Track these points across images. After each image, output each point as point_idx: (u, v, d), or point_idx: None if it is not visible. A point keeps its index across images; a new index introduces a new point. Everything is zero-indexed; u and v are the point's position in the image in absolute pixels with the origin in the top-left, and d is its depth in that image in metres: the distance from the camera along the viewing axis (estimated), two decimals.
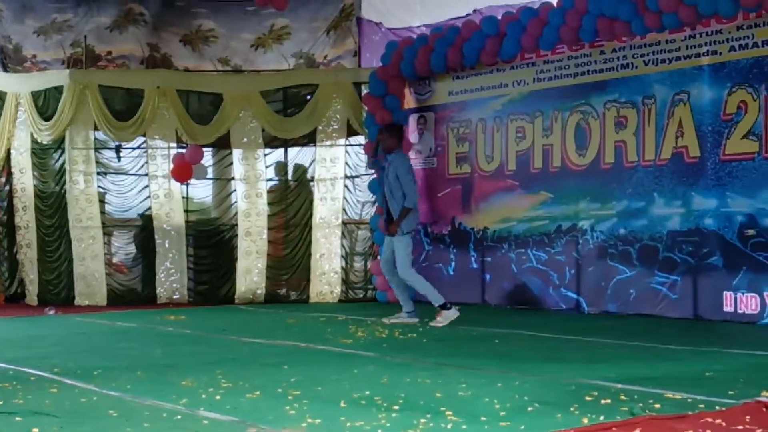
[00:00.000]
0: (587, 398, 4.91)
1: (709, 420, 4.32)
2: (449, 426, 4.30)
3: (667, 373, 5.85)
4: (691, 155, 9.15)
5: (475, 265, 11.20)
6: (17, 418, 4.53)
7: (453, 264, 11.44)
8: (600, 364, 6.30)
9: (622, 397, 4.93)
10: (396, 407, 4.74)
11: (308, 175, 12.06)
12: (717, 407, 4.66)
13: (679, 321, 8.97)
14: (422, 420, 4.42)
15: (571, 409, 4.63)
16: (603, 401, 4.82)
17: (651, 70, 9.50)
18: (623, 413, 4.52)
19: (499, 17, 10.50)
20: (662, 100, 9.40)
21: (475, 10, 11.27)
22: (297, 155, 12.20)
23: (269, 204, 11.99)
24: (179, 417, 4.58)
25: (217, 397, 5.08)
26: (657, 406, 4.69)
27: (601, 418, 4.41)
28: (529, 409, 4.69)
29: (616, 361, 6.49)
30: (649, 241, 9.46)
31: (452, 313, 8.94)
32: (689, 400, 4.87)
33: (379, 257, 11.59)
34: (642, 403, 4.76)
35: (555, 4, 9.91)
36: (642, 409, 4.58)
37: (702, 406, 4.70)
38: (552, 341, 7.74)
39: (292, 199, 12.10)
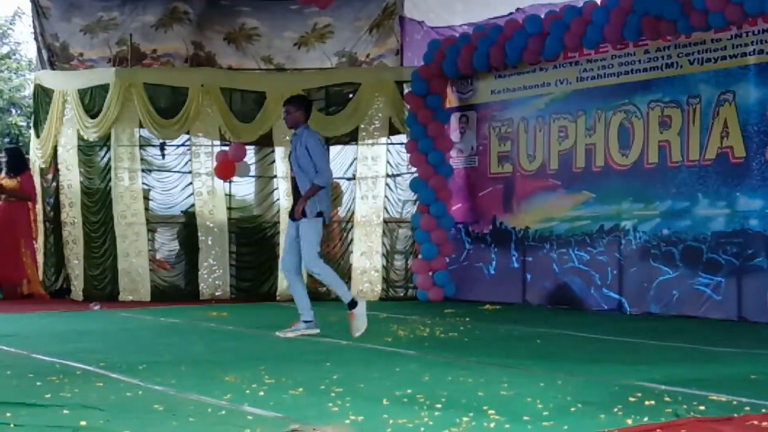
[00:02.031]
0: (631, 399, 4.88)
1: (755, 422, 4.28)
2: (492, 425, 4.31)
3: (711, 375, 5.81)
4: (737, 155, 9.06)
5: (516, 265, 11.17)
6: (65, 411, 4.60)
7: (494, 263, 11.42)
8: (643, 365, 6.26)
9: (666, 399, 4.90)
10: (438, 405, 4.74)
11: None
12: (763, 410, 4.61)
13: (722, 323, 8.88)
14: (465, 419, 4.42)
15: (615, 410, 4.61)
16: (647, 402, 4.79)
17: (696, 70, 9.42)
18: (667, 415, 4.49)
19: (543, 16, 10.47)
20: (707, 100, 9.31)
21: (518, 9, 11.24)
22: (339, 153, 12.23)
23: None
24: (224, 412, 4.62)
25: (261, 393, 5.12)
26: (702, 408, 4.65)
27: (645, 419, 4.39)
28: (572, 409, 4.67)
29: (659, 362, 6.45)
30: (692, 242, 9.38)
31: (362, 308, 7.70)
32: (734, 402, 4.83)
33: (419, 256, 11.64)
34: (686, 405, 4.72)
35: (599, 3, 9.86)
36: (686, 411, 4.55)
37: (747, 408, 4.66)
38: (594, 342, 7.70)
39: (333, 197, 12.13)
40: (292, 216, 7.98)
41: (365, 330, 7.69)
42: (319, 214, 7.90)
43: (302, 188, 7.88)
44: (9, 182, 12.04)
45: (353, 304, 7.78)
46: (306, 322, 7.99)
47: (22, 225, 12.06)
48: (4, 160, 12.24)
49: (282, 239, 11.91)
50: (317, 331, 7.97)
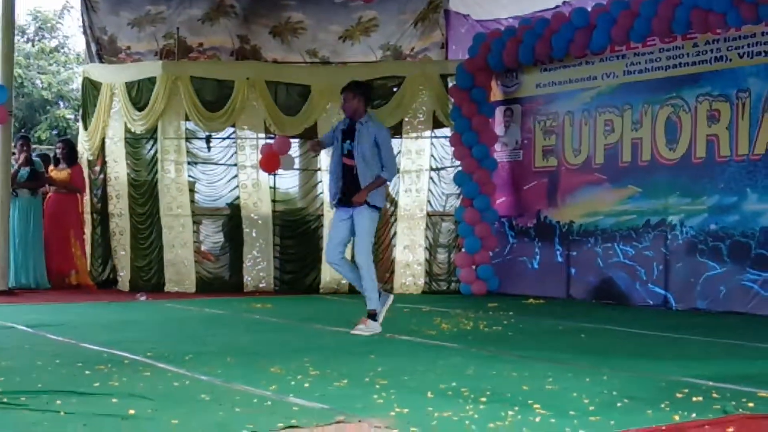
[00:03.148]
0: (678, 395, 4.84)
1: None
2: (537, 419, 4.29)
3: (760, 372, 5.74)
4: None
5: (560, 259, 11.11)
6: (113, 400, 4.65)
7: (538, 257, 11.36)
8: (690, 361, 6.21)
9: (714, 395, 4.85)
10: (483, 399, 4.74)
11: None
12: None
13: None
14: (510, 412, 4.41)
15: (662, 405, 4.57)
16: (694, 399, 4.75)
17: (746, 63, 9.29)
18: (716, 411, 4.45)
19: (589, 9, 10.37)
20: (757, 94, 9.19)
21: (564, 2, 11.16)
22: None
23: None
24: (269, 403, 4.65)
25: (306, 385, 5.15)
26: (750, 404, 4.60)
27: (693, 415, 4.35)
28: (619, 404, 4.64)
29: (706, 358, 6.39)
30: (740, 237, 9.26)
31: (377, 327, 7.59)
32: None
33: (463, 250, 11.62)
34: (735, 401, 4.68)
35: None
36: (735, 408, 4.50)
37: None
38: (640, 337, 7.64)
39: None
40: (346, 202, 7.66)
41: (365, 334, 7.46)
42: (377, 208, 7.73)
43: (362, 179, 7.58)
44: (59, 174, 12.20)
45: (375, 316, 7.64)
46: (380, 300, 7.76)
47: (72, 216, 12.22)
48: (59, 150, 12.37)
49: (325, 232, 11.95)
50: (391, 297, 7.93)
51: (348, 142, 7.71)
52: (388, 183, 7.78)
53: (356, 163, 7.61)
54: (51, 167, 12.45)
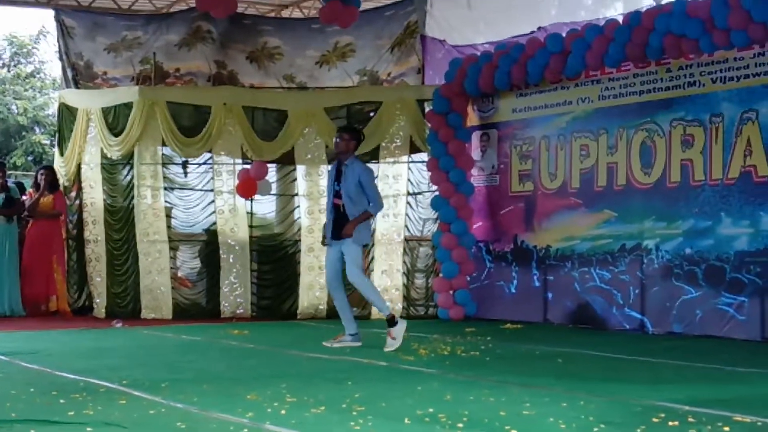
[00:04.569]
0: (654, 420, 4.85)
1: None
2: None
3: (735, 396, 5.77)
4: (760, 174, 9.02)
5: (537, 284, 11.14)
6: (88, 429, 4.61)
7: (515, 282, 11.39)
8: (666, 385, 6.23)
9: (690, 420, 4.87)
10: (460, 425, 4.73)
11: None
12: None
13: (746, 343, 8.82)
14: None
15: (638, 430, 4.58)
16: (670, 423, 4.76)
17: (719, 88, 9.39)
18: None
19: (564, 34, 10.47)
20: (730, 119, 9.28)
21: (539, 28, 11.27)
22: None
23: None
24: (246, 430, 4.63)
25: (282, 412, 5.12)
26: (726, 429, 4.62)
27: None
28: (595, 429, 4.65)
29: (682, 382, 6.41)
30: (715, 261, 9.32)
31: (401, 327, 8.27)
32: (759, 423, 4.79)
33: (440, 275, 11.63)
34: (710, 425, 4.69)
35: (621, 21, 9.86)
36: None
37: None
38: (616, 361, 7.66)
39: None
40: (335, 236, 8.41)
41: (394, 349, 8.10)
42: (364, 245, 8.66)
43: (350, 214, 8.38)
44: (44, 200, 12.11)
45: (392, 322, 8.28)
46: (351, 335, 8.50)
47: (56, 242, 12.14)
48: (41, 177, 12.24)
49: (303, 257, 11.97)
50: (359, 344, 8.41)
51: (337, 183, 8.51)
52: (374, 215, 8.76)
53: (344, 202, 8.43)
54: (30, 192, 12.35)
